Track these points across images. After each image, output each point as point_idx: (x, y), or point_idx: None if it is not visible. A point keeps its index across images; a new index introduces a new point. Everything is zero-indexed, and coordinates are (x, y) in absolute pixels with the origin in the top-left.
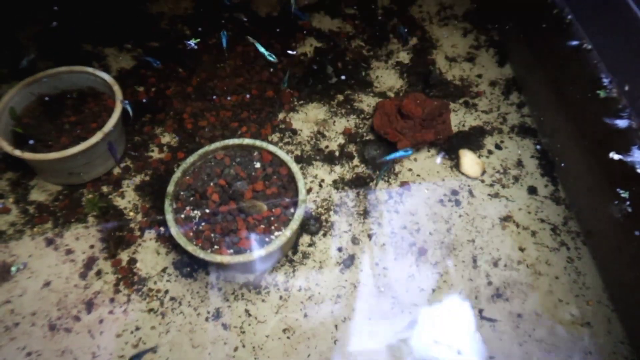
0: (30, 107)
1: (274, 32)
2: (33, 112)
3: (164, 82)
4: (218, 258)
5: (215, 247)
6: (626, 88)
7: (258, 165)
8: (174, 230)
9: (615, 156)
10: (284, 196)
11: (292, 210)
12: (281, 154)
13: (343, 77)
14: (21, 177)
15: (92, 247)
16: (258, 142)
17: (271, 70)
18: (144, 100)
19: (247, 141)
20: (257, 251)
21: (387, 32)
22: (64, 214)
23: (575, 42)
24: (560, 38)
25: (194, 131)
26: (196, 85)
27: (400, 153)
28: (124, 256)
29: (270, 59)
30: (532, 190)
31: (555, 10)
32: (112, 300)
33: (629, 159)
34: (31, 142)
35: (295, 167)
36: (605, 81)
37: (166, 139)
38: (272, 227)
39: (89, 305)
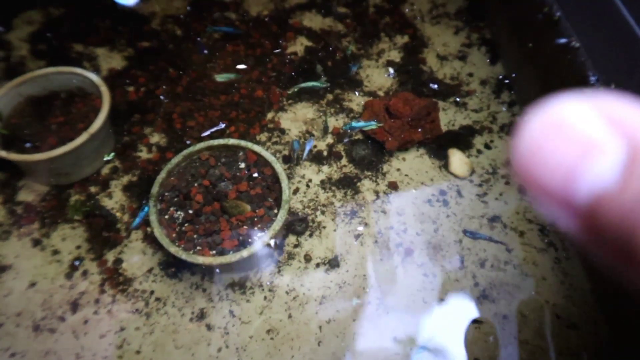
0: (18, 108)
1: (264, 31)
2: (21, 113)
3: (154, 82)
4: (200, 259)
5: (198, 248)
6: (612, 86)
7: (243, 165)
8: (157, 232)
9: None
10: (268, 196)
11: (275, 211)
12: (266, 154)
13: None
14: (9, 178)
15: (78, 247)
16: (243, 143)
17: (260, 70)
18: (134, 100)
19: (232, 141)
20: (239, 252)
21: (379, 30)
22: (51, 215)
23: (563, 40)
24: (550, 35)
25: (182, 131)
26: (186, 85)
27: (361, 124)
28: (110, 257)
29: (322, 85)
30: (521, 191)
31: (545, 8)
32: (97, 300)
33: None
34: (28, 144)
35: (279, 168)
36: (592, 79)
37: (155, 139)
38: (256, 228)
39: (74, 306)
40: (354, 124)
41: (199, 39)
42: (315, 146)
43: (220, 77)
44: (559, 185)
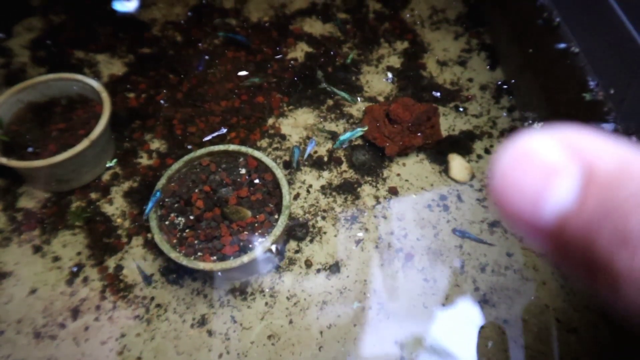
0: (18, 114)
1: (265, 37)
2: (22, 120)
3: (155, 88)
4: (201, 265)
5: (199, 253)
6: (611, 91)
7: (243, 171)
8: (158, 238)
9: None
10: (269, 202)
11: (276, 216)
12: (266, 159)
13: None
14: (10, 184)
15: (79, 254)
16: (244, 148)
17: (260, 75)
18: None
19: (232, 147)
20: (240, 258)
21: (378, 36)
22: (52, 221)
23: (563, 45)
24: (549, 41)
25: (183, 137)
26: (186, 91)
27: (347, 135)
28: (111, 263)
29: (351, 100)
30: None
31: (545, 13)
32: (97, 307)
33: None
34: (30, 149)
35: (279, 173)
36: (592, 84)
37: (155, 145)
38: (256, 234)
39: (75, 313)
40: (341, 137)
41: (205, 56)
42: (315, 151)
43: (247, 82)
44: (527, 208)
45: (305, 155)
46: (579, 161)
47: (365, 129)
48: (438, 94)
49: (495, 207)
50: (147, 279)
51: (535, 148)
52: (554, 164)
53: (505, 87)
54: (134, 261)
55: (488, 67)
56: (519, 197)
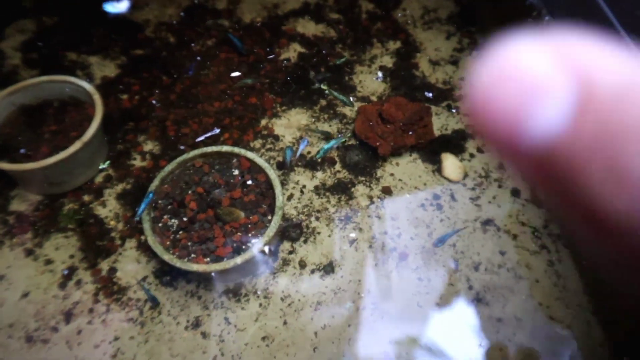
0: (11, 117)
1: (257, 38)
2: (14, 122)
3: (148, 89)
4: (194, 267)
5: (192, 255)
6: None
7: (237, 172)
8: (151, 239)
9: None
10: (262, 203)
11: (269, 217)
12: (259, 160)
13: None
14: (2, 187)
15: (72, 256)
16: (237, 149)
17: (254, 76)
18: (127, 108)
19: (225, 148)
20: (233, 259)
21: (371, 36)
22: (44, 224)
23: None
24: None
25: (176, 138)
26: (180, 92)
27: (332, 142)
28: (104, 265)
29: (348, 103)
30: (514, 193)
31: (534, 12)
32: (91, 310)
33: None
34: (22, 151)
35: (273, 174)
36: None
37: (149, 146)
38: (250, 235)
39: (68, 316)
40: (325, 146)
41: (197, 58)
42: (309, 152)
43: (240, 83)
44: (510, 128)
45: (298, 154)
46: (576, 75)
47: (347, 138)
48: (430, 93)
49: (470, 123)
50: (154, 300)
51: (524, 58)
52: (545, 78)
53: None
54: (139, 282)
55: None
56: (502, 115)
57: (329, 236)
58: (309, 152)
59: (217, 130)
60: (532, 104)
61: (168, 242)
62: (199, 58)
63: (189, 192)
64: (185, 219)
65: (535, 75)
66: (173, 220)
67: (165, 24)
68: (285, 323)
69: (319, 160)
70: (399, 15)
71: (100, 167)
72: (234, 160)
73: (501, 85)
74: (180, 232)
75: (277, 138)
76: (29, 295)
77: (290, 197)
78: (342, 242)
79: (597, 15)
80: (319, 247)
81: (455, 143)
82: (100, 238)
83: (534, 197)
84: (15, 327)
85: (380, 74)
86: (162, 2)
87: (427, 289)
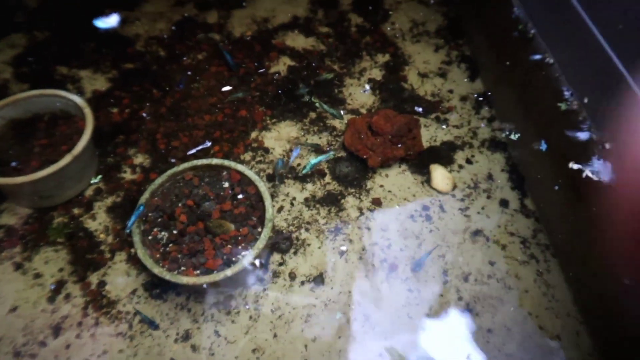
0: (1, 131)
1: (248, 52)
2: (4, 136)
3: (138, 103)
4: (184, 280)
5: (182, 268)
6: (585, 100)
7: (227, 184)
8: (141, 252)
9: (574, 166)
10: (252, 215)
11: (259, 229)
12: (249, 173)
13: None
14: None
15: (61, 270)
16: (227, 162)
17: (244, 89)
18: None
19: (215, 161)
20: (223, 271)
21: (360, 49)
22: (34, 238)
23: (538, 56)
24: (525, 52)
25: (167, 151)
26: (170, 106)
27: (320, 158)
28: (94, 279)
29: (338, 116)
30: (502, 204)
31: (520, 25)
32: (79, 324)
33: (588, 169)
34: (13, 164)
35: (262, 186)
36: (566, 94)
37: (139, 159)
38: (240, 247)
39: (56, 330)
40: (312, 161)
41: (187, 74)
42: (299, 164)
43: (231, 97)
44: None
45: (291, 161)
46: None
47: (334, 155)
48: (419, 107)
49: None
50: (153, 324)
51: None
52: None
53: (483, 98)
54: (133, 307)
55: (468, 78)
56: None
57: (319, 248)
58: (298, 164)
59: (209, 143)
60: None
61: (158, 255)
62: (189, 73)
63: (179, 204)
64: (175, 232)
65: None
66: (163, 233)
67: (156, 38)
68: (275, 335)
69: (305, 174)
70: (388, 28)
71: (93, 181)
72: (224, 173)
73: None
74: (170, 245)
75: (267, 150)
76: (18, 309)
77: (280, 209)
78: (332, 254)
79: (581, 29)
80: (309, 259)
81: (444, 154)
82: (90, 251)
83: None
84: (3, 342)
85: (367, 86)
86: (153, 16)
87: (417, 300)
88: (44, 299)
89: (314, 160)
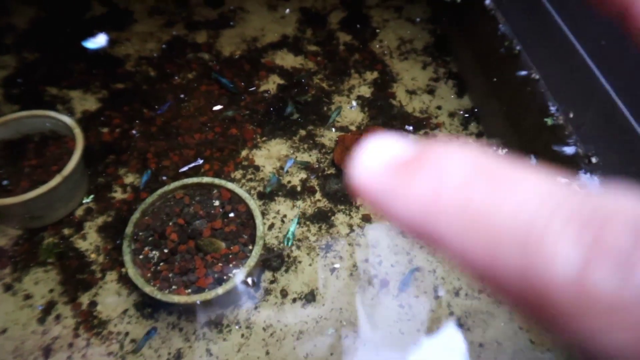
0: None
1: (237, 71)
2: None
3: (129, 122)
4: (175, 298)
5: (174, 287)
6: (571, 115)
7: (217, 203)
8: (132, 272)
9: (562, 180)
10: (243, 233)
11: (250, 247)
12: (240, 191)
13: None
14: None
15: (51, 291)
16: (217, 180)
17: (234, 107)
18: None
19: (206, 179)
20: (215, 290)
21: (349, 67)
22: (24, 258)
23: (524, 72)
24: (511, 68)
25: (157, 170)
26: (160, 125)
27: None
28: (84, 299)
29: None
30: None
31: (506, 42)
32: (70, 345)
33: (575, 183)
34: (4, 182)
35: (253, 204)
36: (552, 109)
37: (129, 179)
38: (231, 265)
39: (47, 352)
40: (291, 229)
41: (170, 102)
42: (289, 181)
43: (221, 116)
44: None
45: (285, 170)
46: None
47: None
48: (409, 124)
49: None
50: (151, 334)
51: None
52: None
53: (470, 115)
54: (139, 342)
55: (455, 95)
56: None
57: (310, 265)
58: (289, 182)
59: (201, 161)
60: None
61: (149, 274)
62: (171, 102)
63: (170, 223)
64: (166, 251)
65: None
66: (154, 252)
67: (146, 58)
68: (267, 353)
69: (295, 191)
70: (376, 46)
71: (85, 201)
72: (215, 191)
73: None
74: (161, 264)
75: (257, 168)
76: (7, 331)
77: (271, 227)
78: (324, 271)
79: (564, 46)
80: (301, 276)
81: None
82: (81, 271)
83: None
84: None
85: (354, 103)
86: (143, 36)
87: (409, 315)
88: (34, 320)
89: (292, 227)
